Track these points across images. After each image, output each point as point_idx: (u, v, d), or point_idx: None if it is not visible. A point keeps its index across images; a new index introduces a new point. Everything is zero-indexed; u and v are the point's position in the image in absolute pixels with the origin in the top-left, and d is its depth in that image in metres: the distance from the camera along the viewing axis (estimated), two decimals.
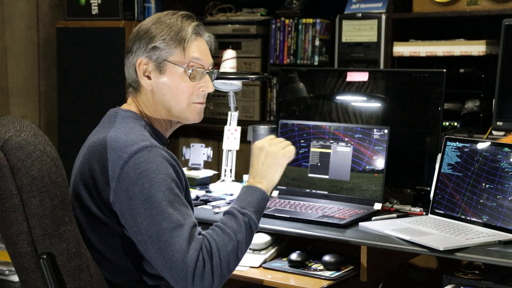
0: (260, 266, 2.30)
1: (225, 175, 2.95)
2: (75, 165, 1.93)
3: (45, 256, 1.69)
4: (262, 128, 2.81)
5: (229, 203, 2.60)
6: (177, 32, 1.91)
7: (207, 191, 2.83)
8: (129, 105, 1.99)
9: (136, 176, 1.77)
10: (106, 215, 1.82)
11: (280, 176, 2.00)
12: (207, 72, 1.97)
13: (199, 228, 1.81)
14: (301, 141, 2.67)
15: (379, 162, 2.51)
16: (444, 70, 2.62)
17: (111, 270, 1.86)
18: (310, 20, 3.74)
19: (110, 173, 1.80)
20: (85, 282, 1.75)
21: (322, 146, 2.62)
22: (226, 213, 1.87)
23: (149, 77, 1.93)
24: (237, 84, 2.93)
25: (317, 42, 3.71)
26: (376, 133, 2.53)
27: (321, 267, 2.27)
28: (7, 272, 2.62)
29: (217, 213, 2.48)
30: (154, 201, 1.75)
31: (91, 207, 1.84)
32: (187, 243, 1.73)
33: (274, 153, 1.99)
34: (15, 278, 2.62)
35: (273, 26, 3.84)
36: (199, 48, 1.95)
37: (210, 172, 3.00)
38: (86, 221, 1.84)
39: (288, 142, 2.05)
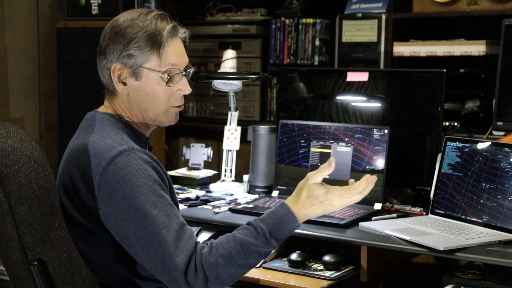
0: (260, 266, 2.30)
1: (225, 175, 2.95)
2: (58, 172, 1.92)
3: (35, 263, 1.68)
4: (262, 128, 2.81)
5: (229, 203, 2.60)
6: (151, 37, 1.86)
7: (207, 191, 2.84)
8: (106, 108, 1.96)
9: (116, 182, 1.75)
10: (91, 222, 1.81)
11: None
12: (183, 74, 1.93)
13: (196, 241, 1.77)
14: (301, 141, 2.67)
15: (379, 162, 2.51)
16: (444, 70, 2.62)
17: (102, 275, 1.85)
18: (310, 20, 3.73)
19: (92, 181, 1.78)
20: (77, 287, 1.74)
21: (322, 146, 2.62)
22: (253, 227, 1.77)
23: (124, 83, 1.90)
24: (237, 84, 2.93)
25: (317, 42, 3.71)
26: (376, 133, 2.53)
27: (321, 267, 2.27)
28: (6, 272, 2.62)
29: (217, 213, 2.48)
30: (137, 205, 1.73)
31: (74, 215, 1.82)
32: (174, 246, 1.70)
33: (332, 209, 1.83)
34: None
35: (273, 26, 3.84)
36: (175, 51, 1.91)
37: (210, 172, 3.00)
38: (72, 229, 1.81)
39: (356, 195, 1.84)
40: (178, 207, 1.92)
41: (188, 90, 1.94)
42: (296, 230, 2.25)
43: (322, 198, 1.81)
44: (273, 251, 1.83)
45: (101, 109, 1.96)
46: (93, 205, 1.79)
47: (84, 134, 1.88)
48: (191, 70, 1.97)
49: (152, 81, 1.89)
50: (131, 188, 1.74)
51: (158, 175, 1.81)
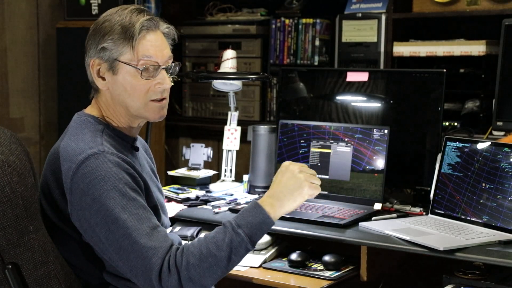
0: (260, 266, 2.30)
1: (225, 175, 2.95)
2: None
3: (10, 266, 1.67)
4: (262, 128, 2.81)
5: (229, 203, 2.60)
6: (125, 30, 1.84)
7: (207, 191, 2.83)
8: (92, 108, 1.94)
9: (86, 186, 1.73)
10: (67, 225, 1.80)
11: (296, 206, 1.87)
12: (163, 68, 1.89)
13: (176, 239, 1.76)
14: (301, 141, 2.67)
15: (379, 162, 2.51)
16: (444, 70, 2.62)
17: (82, 276, 1.84)
18: (310, 20, 3.73)
19: (64, 185, 1.77)
20: None
21: (322, 146, 2.62)
22: (222, 224, 1.79)
23: (103, 78, 1.89)
24: (237, 84, 2.93)
25: (317, 42, 3.71)
26: (376, 133, 2.53)
27: (321, 267, 2.27)
28: None
29: (217, 213, 2.48)
30: (106, 209, 1.72)
31: (52, 217, 1.82)
32: (146, 248, 1.69)
33: (300, 181, 1.86)
34: None
35: (273, 26, 3.84)
36: (151, 44, 1.86)
37: (210, 172, 3.00)
38: (50, 231, 1.81)
39: (319, 180, 1.92)
40: (158, 210, 1.91)
41: (167, 84, 1.89)
42: (296, 230, 2.28)
43: (285, 166, 1.88)
44: (251, 246, 1.78)
45: (87, 109, 1.95)
46: (67, 209, 1.78)
47: (63, 136, 1.88)
48: (173, 65, 1.92)
49: (128, 74, 1.86)
50: (100, 192, 1.72)
51: (130, 178, 1.78)
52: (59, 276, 1.75)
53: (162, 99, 1.91)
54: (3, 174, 1.65)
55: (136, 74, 1.86)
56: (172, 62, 1.93)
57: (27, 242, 1.69)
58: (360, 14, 3.48)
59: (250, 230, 1.77)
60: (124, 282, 1.84)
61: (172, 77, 1.94)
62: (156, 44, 1.88)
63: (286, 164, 1.92)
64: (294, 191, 1.86)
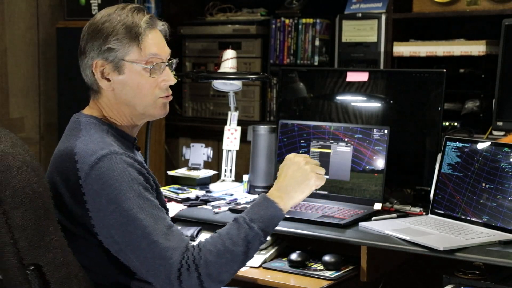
0: (260, 266, 2.30)
1: (225, 175, 2.95)
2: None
3: (32, 268, 1.66)
4: (262, 128, 2.81)
5: (229, 203, 2.60)
6: (129, 29, 1.84)
7: (207, 191, 2.83)
8: (91, 109, 1.92)
9: (100, 188, 1.73)
10: (77, 227, 1.79)
11: (304, 197, 1.91)
12: (166, 65, 1.90)
13: (188, 242, 1.76)
14: (301, 141, 2.67)
15: (379, 162, 2.51)
16: (444, 70, 2.62)
17: (93, 278, 1.82)
18: (310, 20, 3.74)
19: (75, 187, 1.76)
20: None
21: (322, 146, 2.62)
22: (234, 219, 1.81)
23: (108, 79, 1.87)
24: (237, 84, 2.93)
25: (317, 42, 3.71)
26: (376, 133, 2.53)
27: (321, 267, 2.27)
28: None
29: (217, 213, 2.48)
30: (123, 210, 1.71)
31: (60, 220, 1.79)
32: (165, 248, 1.69)
33: (307, 173, 1.91)
34: None
35: (273, 26, 3.84)
36: (155, 42, 1.87)
37: (210, 172, 3.00)
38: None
39: (323, 169, 1.96)
40: (166, 209, 1.90)
41: (172, 80, 1.91)
42: (296, 230, 2.28)
43: (290, 159, 1.93)
44: (264, 239, 1.80)
45: (86, 110, 1.93)
46: (78, 211, 1.77)
47: (67, 138, 1.87)
48: (175, 61, 1.94)
49: (135, 73, 1.86)
50: (116, 193, 1.72)
51: (143, 178, 1.78)
52: (78, 276, 1.73)
53: (168, 95, 1.93)
54: (23, 174, 1.63)
55: (143, 72, 1.86)
56: (170, 59, 1.94)
57: (48, 243, 1.68)
58: (360, 14, 3.48)
59: (263, 223, 1.80)
60: (135, 282, 1.84)
61: (174, 74, 1.96)
62: (158, 41, 1.89)
63: (291, 156, 1.95)
64: (302, 183, 1.90)
